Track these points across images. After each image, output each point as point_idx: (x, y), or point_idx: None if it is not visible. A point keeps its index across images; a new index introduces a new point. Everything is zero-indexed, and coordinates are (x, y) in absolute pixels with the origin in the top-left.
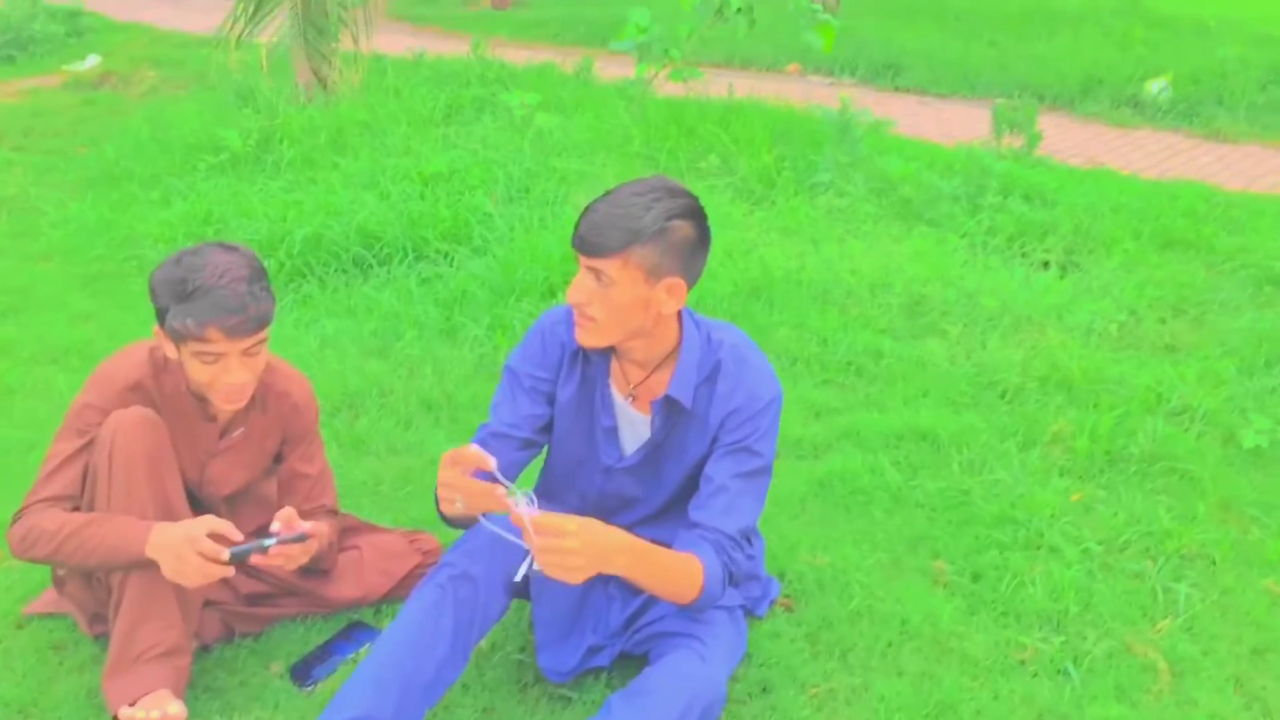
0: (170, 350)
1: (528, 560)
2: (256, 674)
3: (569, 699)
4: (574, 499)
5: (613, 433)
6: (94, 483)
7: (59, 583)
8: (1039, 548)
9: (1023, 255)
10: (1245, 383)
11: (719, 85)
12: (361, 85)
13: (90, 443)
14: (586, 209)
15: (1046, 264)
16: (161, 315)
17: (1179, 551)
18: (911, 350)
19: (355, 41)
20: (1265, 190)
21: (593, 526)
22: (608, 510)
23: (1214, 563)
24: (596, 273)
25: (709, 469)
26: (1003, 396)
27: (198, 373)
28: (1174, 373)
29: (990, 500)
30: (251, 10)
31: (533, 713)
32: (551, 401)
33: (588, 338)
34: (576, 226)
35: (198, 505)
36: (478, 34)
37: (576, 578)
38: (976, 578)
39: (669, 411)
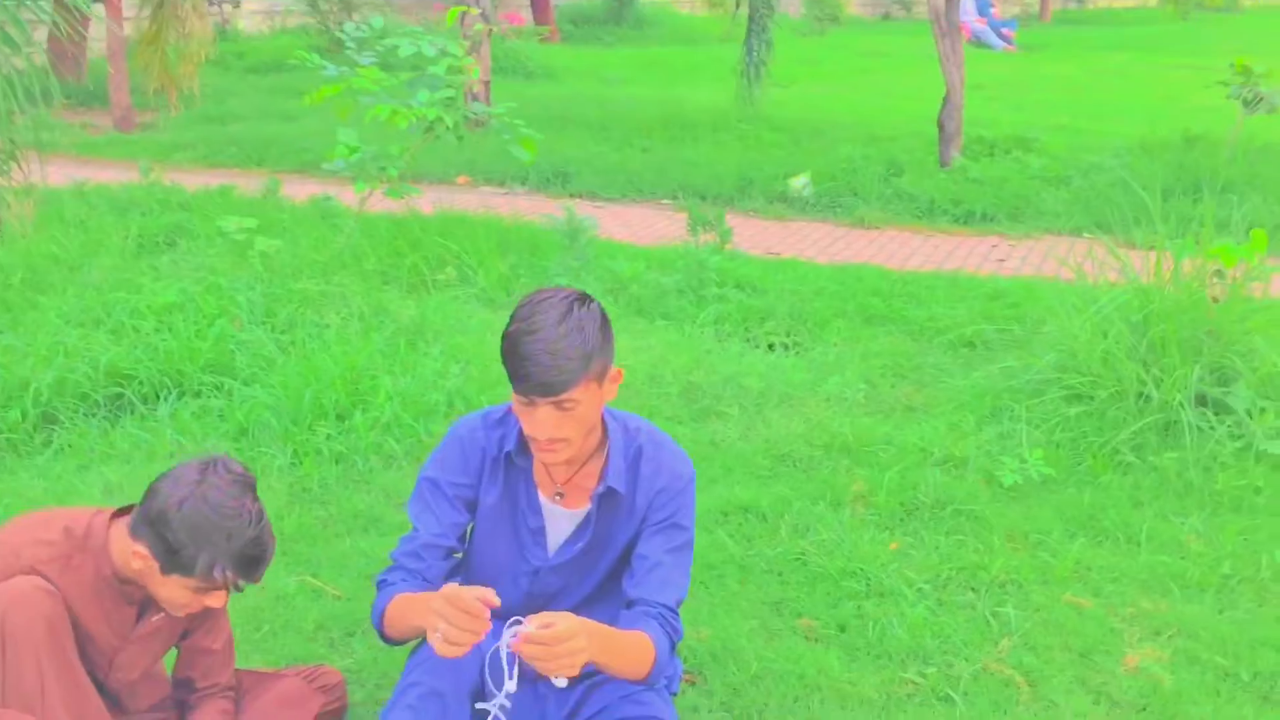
0: (137, 562)
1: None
2: None
3: None
4: (501, 600)
5: (540, 533)
6: None
7: None
8: (881, 594)
9: (748, 339)
10: (983, 431)
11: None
12: (35, 220)
13: None
14: (521, 354)
15: (771, 345)
16: (166, 544)
17: (992, 580)
18: (702, 433)
19: (25, 174)
20: (920, 268)
21: (583, 621)
22: (534, 608)
23: (1020, 585)
24: (559, 403)
25: (641, 548)
26: (796, 465)
27: (177, 596)
28: (927, 429)
29: (825, 558)
30: None
31: None
32: (472, 508)
33: (560, 457)
34: (522, 375)
35: (102, 693)
36: (131, 159)
37: (576, 672)
38: (842, 628)
39: (605, 502)
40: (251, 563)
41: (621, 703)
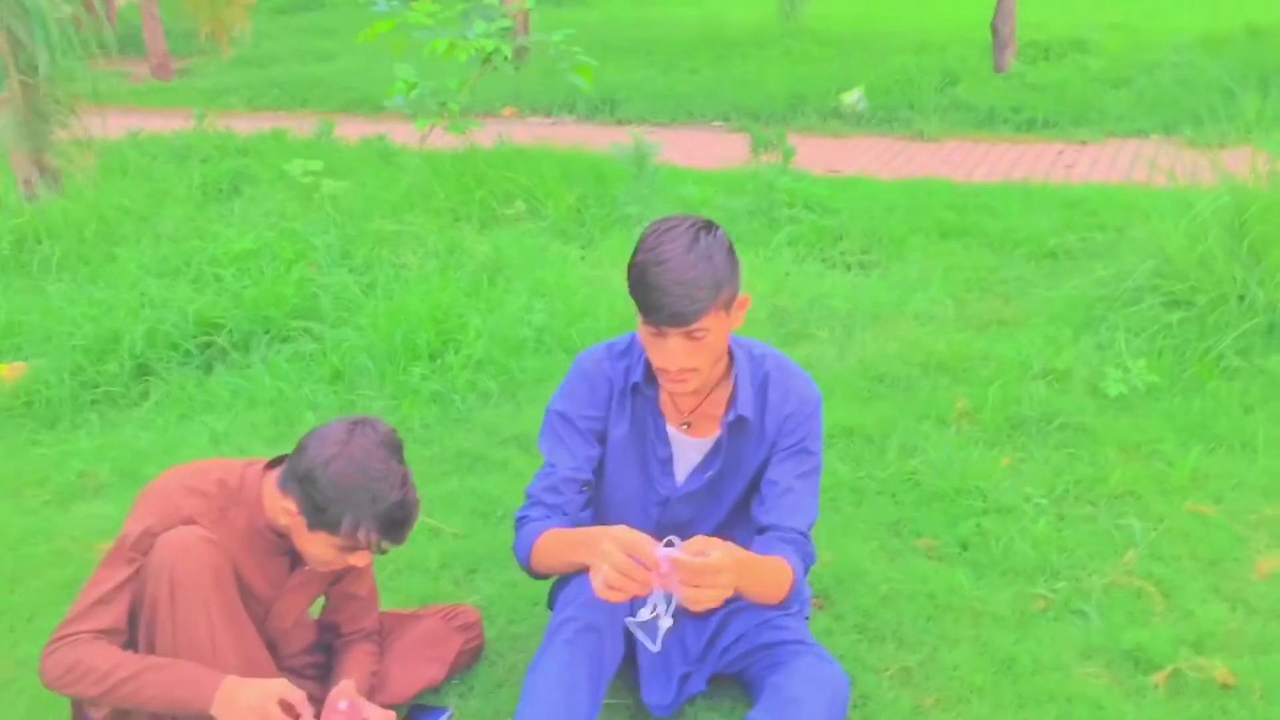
0: (284, 516)
1: (666, 605)
2: None
3: None
4: None
5: (668, 462)
6: (152, 614)
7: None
8: (1000, 511)
9: (824, 260)
10: (1081, 342)
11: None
12: (97, 172)
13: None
14: (652, 285)
15: (849, 266)
16: (313, 501)
17: (1110, 492)
18: (795, 357)
19: (85, 127)
20: (987, 178)
21: (731, 550)
22: (663, 537)
23: (1139, 496)
24: (690, 333)
25: (771, 473)
26: (896, 385)
27: (321, 552)
28: (1023, 342)
29: (938, 477)
30: None
31: None
32: (602, 441)
33: (689, 387)
34: (654, 306)
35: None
36: (174, 106)
37: (717, 604)
38: (964, 546)
39: (735, 430)
40: (396, 525)
41: (760, 629)
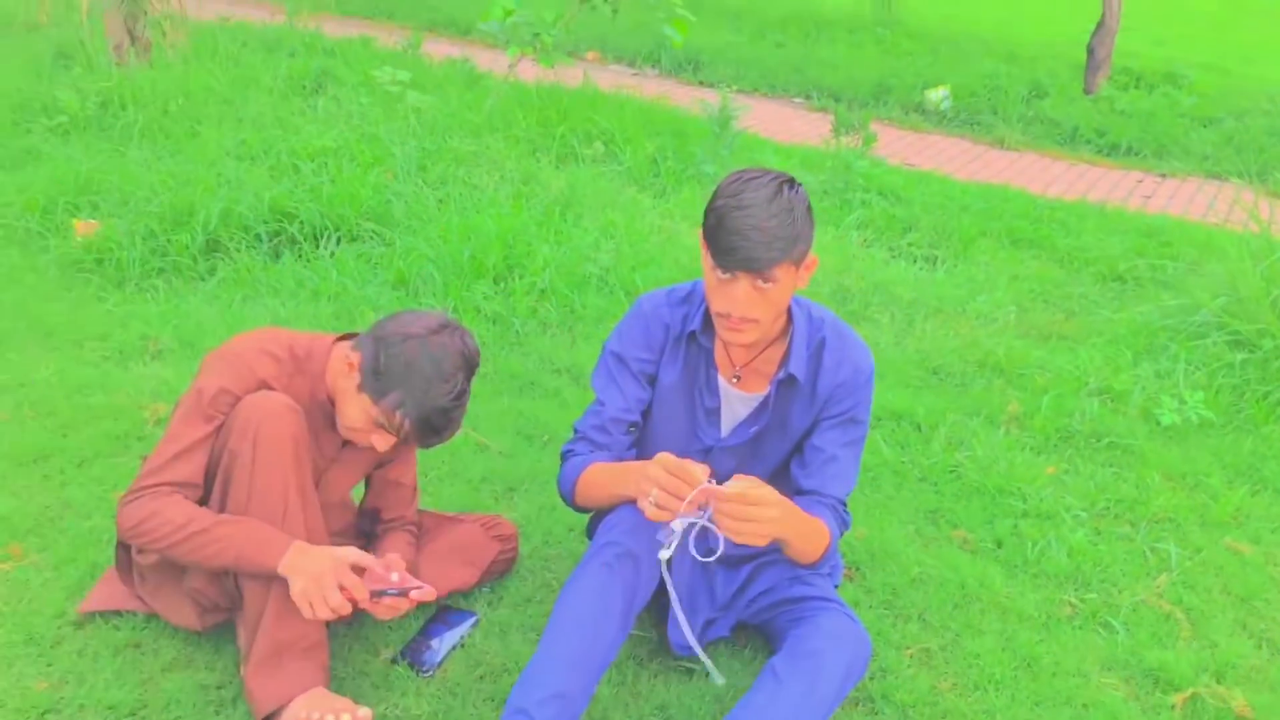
0: (346, 379)
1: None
2: (370, 663)
3: (691, 670)
4: None
5: (715, 413)
6: (229, 470)
7: (136, 577)
8: (1039, 516)
9: (891, 249)
10: (1140, 367)
11: (539, 71)
12: (187, 49)
13: (219, 429)
14: (730, 229)
15: (915, 258)
16: (376, 363)
17: (1150, 516)
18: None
19: (180, 2)
20: (1062, 195)
21: (776, 493)
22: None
23: (1179, 525)
24: (761, 280)
25: (817, 440)
26: (950, 379)
27: (355, 416)
28: (1083, 358)
29: (981, 474)
30: None
31: (666, 684)
32: (653, 383)
33: (748, 337)
34: (729, 248)
35: None
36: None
37: (763, 542)
38: (999, 544)
39: (783, 388)
40: (431, 429)
41: (790, 583)
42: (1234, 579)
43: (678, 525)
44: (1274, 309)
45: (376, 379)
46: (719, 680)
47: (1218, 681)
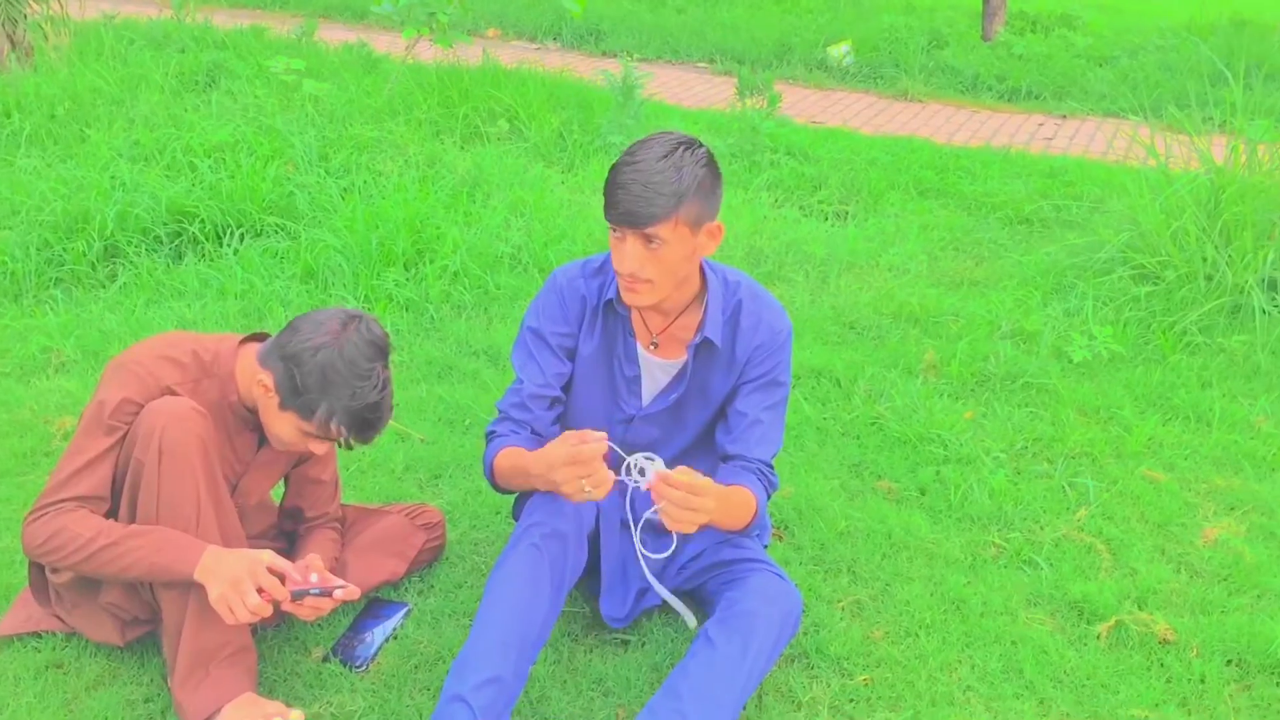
0: (259, 390)
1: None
2: (301, 663)
3: (626, 641)
4: None
5: (635, 381)
6: (137, 480)
7: (52, 596)
8: (960, 461)
9: (802, 208)
10: (1049, 307)
11: (438, 51)
12: (71, 51)
13: (123, 440)
14: (616, 183)
15: (826, 215)
16: (293, 382)
17: (1066, 452)
18: None
19: (61, 4)
20: (967, 143)
21: (709, 479)
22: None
23: (1095, 459)
24: (647, 238)
25: (740, 404)
26: (866, 333)
27: (286, 433)
28: (994, 302)
29: (901, 424)
30: None
31: (602, 658)
32: (573, 357)
33: (642, 299)
34: (613, 202)
35: None
36: None
37: (692, 529)
38: (923, 491)
39: (702, 354)
40: (366, 425)
41: (719, 547)
42: (1150, 507)
43: (628, 476)
44: (1174, 241)
45: (298, 397)
46: (691, 622)
47: (1140, 608)
